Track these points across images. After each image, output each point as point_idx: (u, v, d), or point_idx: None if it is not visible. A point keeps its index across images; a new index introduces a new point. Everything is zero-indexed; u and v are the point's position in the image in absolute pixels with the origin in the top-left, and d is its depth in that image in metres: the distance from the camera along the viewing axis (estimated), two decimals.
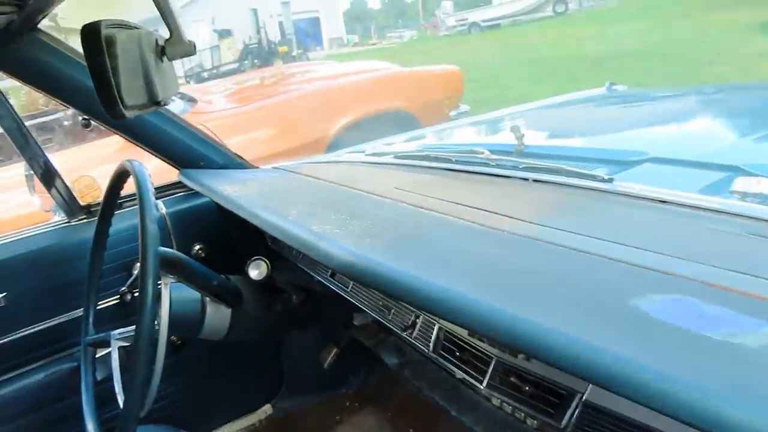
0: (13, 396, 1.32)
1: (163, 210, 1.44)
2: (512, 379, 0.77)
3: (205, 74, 13.79)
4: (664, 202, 0.86)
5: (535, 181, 1.06)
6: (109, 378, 1.08)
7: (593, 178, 0.97)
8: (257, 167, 1.60)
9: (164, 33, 0.73)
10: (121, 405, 0.99)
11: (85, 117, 1.29)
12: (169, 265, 1.00)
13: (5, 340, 1.31)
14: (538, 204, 0.98)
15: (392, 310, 1.02)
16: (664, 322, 0.55)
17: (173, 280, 1.03)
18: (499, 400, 0.81)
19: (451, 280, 0.69)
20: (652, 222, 0.83)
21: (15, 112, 1.27)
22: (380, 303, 1.05)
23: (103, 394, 1.11)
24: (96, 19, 0.60)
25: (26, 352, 1.34)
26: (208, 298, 1.17)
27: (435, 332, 0.92)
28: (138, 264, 1.40)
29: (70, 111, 3.39)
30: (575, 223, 0.84)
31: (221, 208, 1.31)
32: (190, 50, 0.69)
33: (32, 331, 1.34)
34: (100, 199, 1.27)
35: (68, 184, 1.40)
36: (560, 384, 0.70)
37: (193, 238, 1.49)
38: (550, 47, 11.79)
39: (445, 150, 1.36)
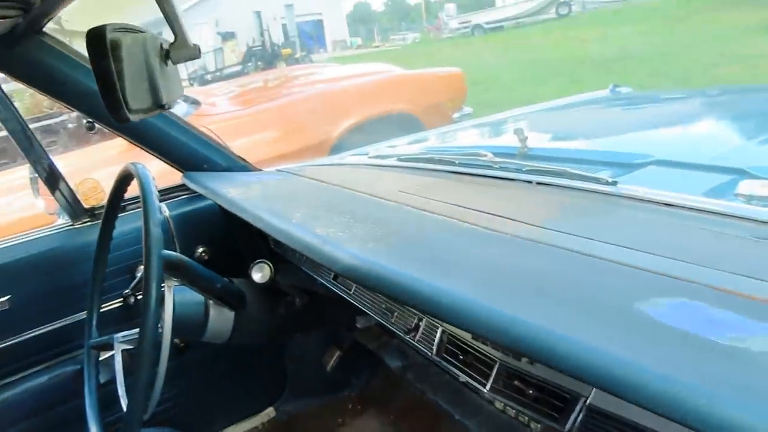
0: (16, 399, 1.32)
1: (167, 213, 1.44)
2: (516, 382, 0.77)
3: (209, 77, 13.83)
4: (669, 205, 0.86)
5: (539, 183, 1.06)
6: (113, 381, 1.08)
7: (597, 180, 0.97)
8: (261, 170, 1.60)
9: (167, 35, 0.74)
10: (125, 408, 0.99)
11: (90, 120, 1.30)
12: (172, 268, 1.00)
13: (9, 342, 1.31)
14: (542, 207, 0.98)
15: (395, 313, 1.01)
16: (670, 326, 0.54)
17: (177, 283, 1.03)
18: (502, 404, 0.80)
19: (454, 283, 0.69)
20: (657, 225, 0.83)
21: (20, 115, 1.28)
22: (383, 306, 1.05)
23: (107, 396, 1.11)
24: (101, 23, 0.60)
25: (30, 354, 1.34)
26: (211, 301, 1.17)
27: (438, 335, 0.92)
28: (141, 266, 1.41)
29: (74, 114, 3.40)
30: (579, 226, 0.84)
31: (225, 210, 1.31)
32: (194, 54, 0.69)
33: (36, 333, 1.34)
34: (104, 201, 1.27)
35: (72, 186, 1.40)
36: (564, 388, 0.70)
37: (197, 241, 1.50)
38: (554, 49, 11.78)
39: (448, 152, 1.36)
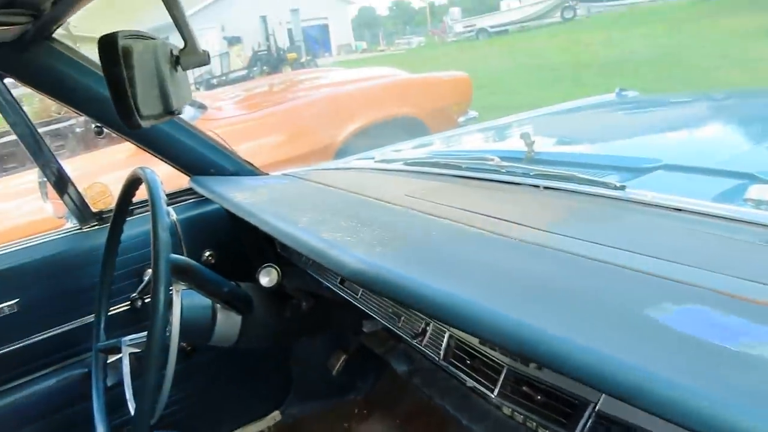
0: (24, 401, 1.32)
1: (174, 217, 1.45)
2: (524, 388, 0.77)
3: (215, 81, 13.89)
4: (678, 209, 0.85)
5: (546, 188, 1.06)
6: (120, 384, 1.09)
7: (605, 185, 0.97)
8: (267, 174, 1.61)
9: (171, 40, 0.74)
10: (132, 411, 1.00)
11: (98, 125, 1.31)
12: (180, 272, 1.01)
13: (17, 345, 1.32)
14: (549, 211, 0.98)
15: (402, 318, 1.01)
16: (679, 331, 0.54)
17: (184, 287, 1.04)
18: (510, 409, 0.80)
19: (461, 288, 0.69)
20: (666, 230, 0.82)
21: (29, 119, 1.29)
22: (390, 310, 1.04)
23: (114, 399, 1.12)
24: (104, 27, 0.61)
25: (38, 357, 1.35)
26: (218, 305, 1.18)
27: (446, 340, 0.91)
28: (149, 270, 1.42)
29: (82, 118, 3.43)
30: (587, 230, 0.83)
31: (231, 214, 1.31)
32: (204, 60, 0.70)
33: (44, 336, 1.35)
34: (112, 205, 1.28)
35: (80, 190, 1.41)
36: (573, 393, 0.70)
37: (203, 245, 1.50)
38: (558, 53, 11.77)
39: (454, 157, 1.36)
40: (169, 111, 0.68)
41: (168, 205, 0.96)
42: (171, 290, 0.93)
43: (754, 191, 0.84)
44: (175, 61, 0.69)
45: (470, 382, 0.86)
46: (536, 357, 0.57)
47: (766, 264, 0.69)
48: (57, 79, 1.20)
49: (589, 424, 0.67)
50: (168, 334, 0.94)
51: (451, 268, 0.77)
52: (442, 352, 0.92)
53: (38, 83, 1.22)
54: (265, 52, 15.19)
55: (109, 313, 1.24)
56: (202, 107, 3.54)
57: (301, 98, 3.83)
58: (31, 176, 2.58)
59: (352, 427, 1.72)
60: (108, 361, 1.19)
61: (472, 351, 0.86)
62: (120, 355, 1.11)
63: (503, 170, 1.16)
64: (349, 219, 1.02)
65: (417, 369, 1.20)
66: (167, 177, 1.19)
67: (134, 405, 1.03)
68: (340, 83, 4.13)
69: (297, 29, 20.17)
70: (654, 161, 1.10)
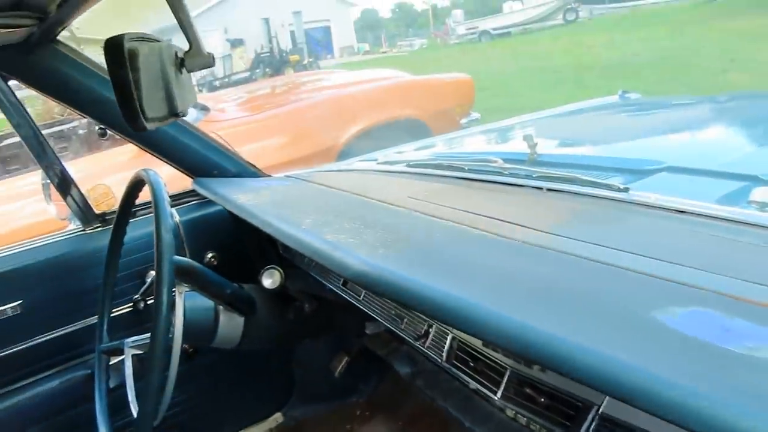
0: (27, 403, 1.33)
1: (177, 218, 1.45)
2: (527, 390, 0.77)
3: (217, 83, 13.93)
4: (681, 212, 0.85)
5: (549, 190, 1.05)
6: (123, 385, 1.09)
7: (609, 187, 0.97)
8: (270, 176, 1.61)
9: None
10: (134, 412, 1.00)
11: (102, 126, 1.31)
12: (183, 274, 1.01)
13: (20, 347, 1.32)
14: (553, 213, 0.97)
15: (405, 320, 1.01)
16: (683, 334, 0.54)
17: (187, 289, 1.04)
18: (513, 412, 0.80)
19: (465, 289, 0.69)
20: (669, 232, 0.82)
21: (33, 121, 1.29)
22: (392, 312, 1.04)
23: (116, 401, 1.12)
24: (107, 30, 0.61)
25: (41, 359, 1.35)
26: (221, 307, 1.18)
27: (448, 342, 0.91)
28: (151, 272, 1.42)
29: (85, 120, 3.44)
30: (590, 232, 0.83)
31: (234, 216, 1.31)
32: (209, 62, 0.70)
33: (47, 338, 1.35)
34: (115, 207, 1.28)
35: (84, 192, 1.41)
36: (576, 396, 0.69)
37: (206, 246, 1.50)
38: (561, 55, 11.77)
39: (457, 159, 1.36)
40: (173, 113, 0.68)
41: (171, 206, 0.96)
42: (174, 292, 0.93)
43: (758, 193, 0.84)
44: (180, 63, 0.70)
45: (473, 384, 0.86)
46: (539, 359, 0.57)
47: None
48: (62, 81, 1.21)
49: (592, 426, 0.67)
50: (171, 335, 0.94)
51: (454, 270, 0.77)
52: (444, 354, 0.92)
53: (43, 85, 1.22)
54: (268, 54, 15.23)
55: (112, 315, 1.24)
56: (204, 109, 3.55)
57: (303, 100, 3.83)
58: (32, 178, 2.59)
59: (354, 429, 1.72)
60: (110, 363, 1.19)
61: (475, 353, 0.86)
62: (122, 357, 1.12)
63: (506, 172, 1.16)
64: (352, 221, 1.02)
65: (420, 371, 1.19)
66: (169, 178, 1.20)
67: (137, 407, 1.03)
68: (342, 85, 4.14)
69: (299, 31, 20.21)
70: (657, 163, 1.10)
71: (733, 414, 0.43)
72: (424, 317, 0.97)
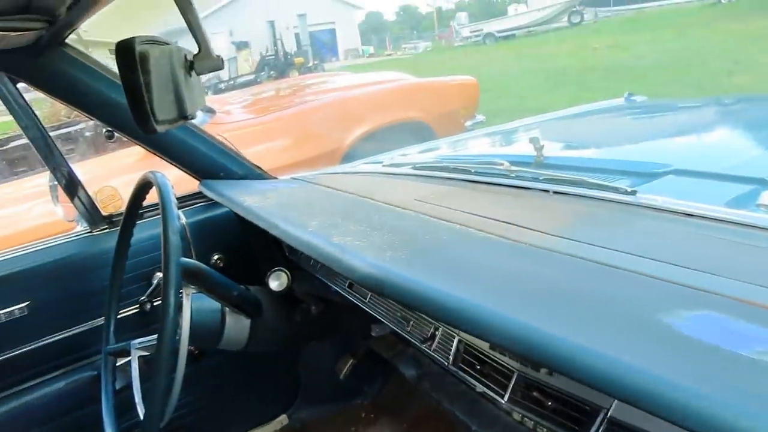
0: (34, 403, 1.33)
1: (183, 220, 1.46)
2: (534, 393, 0.76)
3: (223, 85, 13.97)
4: (689, 215, 0.85)
5: (556, 192, 1.05)
6: (129, 387, 1.09)
7: (616, 190, 0.96)
8: (276, 177, 1.61)
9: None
10: (141, 414, 1.00)
11: (109, 129, 1.31)
12: (190, 276, 1.01)
13: (27, 348, 1.32)
14: (560, 216, 0.97)
15: (411, 322, 1.01)
16: (691, 337, 0.54)
17: (194, 291, 1.04)
18: (520, 415, 0.79)
19: (472, 292, 0.68)
20: (677, 235, 0.82)
21: (41, 123, 1.30)
22: (399, 314, 1.04)
23: (123, 402, 1.12)
24: (113, 33, 0.61)
25: (48, 360, 1.36)
26: (227, 309, 1.18)
27: (455, 345, 0.91)
28: (158, 273, 1.42)
29: (91, 122, 3.46)
30: (598, 235, 0.83)
31: (240, 218, 1.32)
32: (218, 65, 0.71)
33: (54, 339, 1.35)
34: (122, 209, 1.29)
35: (91, 194, 1.42)
36: (584, 399, 0.69)
37: (212, 248, 1.51)
38: (566, 58, 11.75)
39: (463, 161, 1.35)
40: (183, 115, 0.69)
41: (177, 208, 0.96)
42: (181, 294, 0.93)
43: (767, 197, 0.83)
44: (190, 66, 0.70)
45: (480, 388, 0.86)
46: (547, 361, 0.57)
47: None
48: (70, 84, 1.21)
49: (601, 430, 0.66)
50: (178, 337, 0.94)
51: (461, 273, 0.77)
52: (451, 357, 0.91)
53: (51, 88, 1.23)
54: (273, 56, 15.29)
55: (119, 316, 1.25)
56: (210, 111, 3.56)
57: (308, 102, 3.84)
58: (40, 180, 2.60)
59: (359, 431, 1.72)
60: (117, 364, 1.19)
61: (482, 356, 0.86)
62: (129, 358, 1.12)
63: (513, 175, 1.16)
64: (359, 223, 1.02)
65: (425, 374, 1.19)
66: (176, 180, 1.20)
67: (143, 408, 1.03)
68: (347, 87, 4.14)
69: (304, 34, 20.28)
70: (664, 166, 1.10)
71: (742, 418, 0.42)
72: (431, 320, 0.97)
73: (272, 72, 14.39)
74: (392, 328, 1.07)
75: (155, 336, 1.03)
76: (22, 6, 0.84)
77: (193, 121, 1.46)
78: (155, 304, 1.43)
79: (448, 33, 28.05)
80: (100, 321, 1.31)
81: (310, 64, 15.86)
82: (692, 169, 1.09)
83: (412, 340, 1.01)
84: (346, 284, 1.17)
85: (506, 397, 0.80)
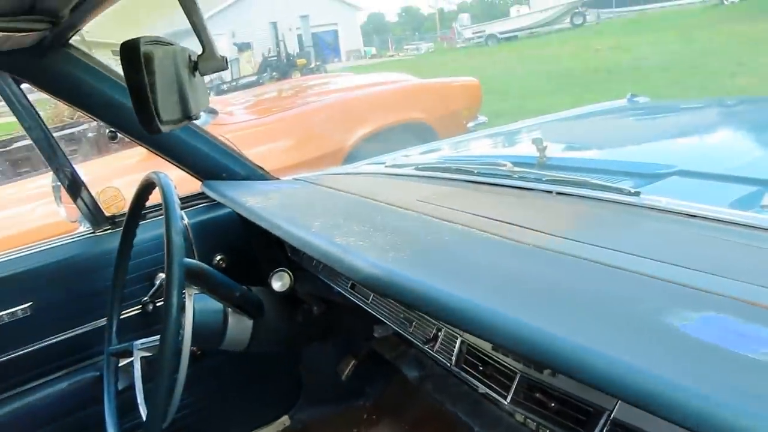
0: (36, 404, 1.33)
1: (186, 221, 1.46)
2: (537, 394, 0.76)
3: (225, 86, 13.99)
4: (694, 216, 0.84)
5: (559, 193, 1.05)
6: (131, 387, 1.09)
7: (619, 191, 0.96)
8: (278, 178, 1.61)
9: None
10: (143, 414, 1.00)
11: (112, 129, 1.32)
12: (193, 276, 1.01)
13: (30, 349, 1.33)
14: (563, 217, 0.97)
15: (413, 323, 1.01)
16: (696, 339, 0.53)
17: (197, 291, 1.04)
18: (523, 416, 0.79)
19: (474, 293, 0.68)
20: (681, 236, 0.82)
21: (44, 124, 1.30)
22: (401, 315, 1.04)
23: (125, 403, 1.12)
24: (115, 34, 0.61)
25: (50, 360, 1.36)
26: (230, 309, 1.18)
27: (458, 346, 0.91)
28: (160, 274, 1.42)
29: (94, 123, 3.46)
30: (601, 236, 0.83)
31: (243, 219, 1.32)
32: (222, 65, 0.71)
33: (56, 340, 1.35)
34: (125, 210, 1.29)
35: (94, 195, 1.42)
36: (587, 401, 0.69)
37: (215, 249, 1.51)
38: (568, 59, 11.75)
39: (466, 162, 1.35)
40: (187, 116, 0.69)
41: (180, 209, 0.97)
42: (183, 294, 0.93)
43: None
44: (194, 66, 0.70)
45: (482, 389, 0.86)
46: (550, 362, 0.57)
47: None
48: (74, 85, 1.22)
49: None
50: (180, 338, 0.94)
51: (464, 273, 0.77)
52: (454, 358, 0.91)
53: (55, 89, 1.23)
54: (275, 57, 15.30)
55: (121, 317, 1.25)
56: (213, 112, 3.56)
57: (310, 103, 3.84)
58: (42, 180, 2.61)
59: None
60: (119, 365, 1.19)
61: (485, 357, 0.86)
62: (131, 359, 1.12)
63: (515, 175, 1.16)
64: (362, 224, 1.02)
65: (428, 375, 1.19)
66: (178, 181, 1.20)
67: (145, 409, 1.03)
68: (349, 88, 4.15)
69: (307, 35, 20.31)
70: (668, 167, 1.10)
71: (748, 420, 0.42)
72: (433, 321, 0.96)
73: (274, 73, 14.39)
74: (394, 329, 1.06)
75: (158, 337, 1.03)
76: (26, 7, 0.84)
77: (195, 121, 1.47)
78: (158, 304, 1.43)
79: (450, 34, 28.07)
80: (103, 321, 1.31)
81: (313, 65, 15.88)
82: (696, 171, 1.09)
83: (415, 341, 1.00)
84: (349, 285, 1.17)
85: (509, 399, 0.80)
